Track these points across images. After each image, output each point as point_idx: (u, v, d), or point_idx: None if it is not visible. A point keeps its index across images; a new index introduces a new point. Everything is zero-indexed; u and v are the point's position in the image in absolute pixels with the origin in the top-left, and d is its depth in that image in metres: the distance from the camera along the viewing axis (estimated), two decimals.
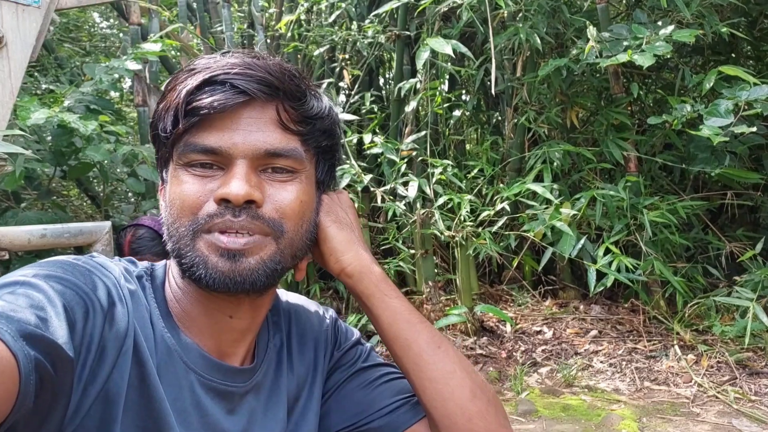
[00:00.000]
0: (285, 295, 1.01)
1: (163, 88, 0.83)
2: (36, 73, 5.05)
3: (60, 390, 0.63)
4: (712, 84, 3.47)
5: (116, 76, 3.54)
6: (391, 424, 0.91)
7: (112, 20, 8.44)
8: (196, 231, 0.76)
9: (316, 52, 5.22)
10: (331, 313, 1.04)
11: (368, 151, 4.15)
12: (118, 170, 4.23)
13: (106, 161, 3.51)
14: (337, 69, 5.10)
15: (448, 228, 3.96)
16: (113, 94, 6.39)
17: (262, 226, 0.77)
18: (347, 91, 5.03)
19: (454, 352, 0.89)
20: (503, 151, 4.79)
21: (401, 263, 3.99)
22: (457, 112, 5.30)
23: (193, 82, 0.76)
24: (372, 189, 4.04)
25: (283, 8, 5.60)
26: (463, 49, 3.62)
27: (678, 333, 3.79)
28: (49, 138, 3.40)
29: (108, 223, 2.02)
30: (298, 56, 5.53)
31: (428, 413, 0.88)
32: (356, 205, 4.06)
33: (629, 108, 4.77)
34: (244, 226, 0.76)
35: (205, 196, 0.76)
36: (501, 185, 4.26)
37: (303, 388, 0.93)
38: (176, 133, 0.77)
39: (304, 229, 0.83)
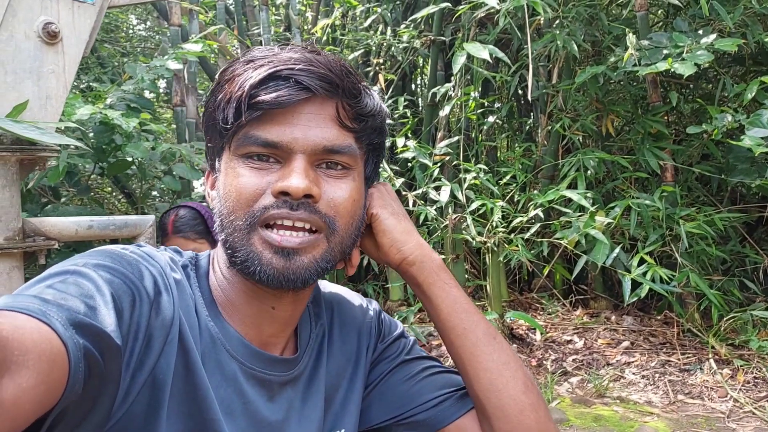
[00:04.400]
0: (328, 286, 1.01)
1: (217, 77, 0.83)
2: (79, 71, 5.16)
3: (108, 377, 0.64)
4: (753, 94, 3.41)
5: (156, 75, 3.60)
6: (436, 418, 0.91)
7: (149, 23, 8.60)
8: (252, 224, 0.77)
9: (350, 56, 5.25)
10: (374, 305, 1.04)
11: (400, 155, 4.16)
12: (155, 168, 4.30)
13: (144, 159, 3.57)
14: (372, 73, 5.12)
15: (480, 234, 3.95)
16: (148, 94, 6.51)
17: (317, 220, 0.78)
18: (381, 95, 5.05)
19: (508, 345, 0.90)
20: (536, 158, 4.76)
21: None
22: (490, 118, 5.29)
23: (256, 75, 0.76)
24: (404, 193, 4.05)
25: (320, 12, 5.65)
26: (500, 55, 3.61)
27: (713, 347, 3.72)
28: (91, 134, 3.47)
29: (152, 217, 2.06)
30: None
31: (480, 404, 0.88)
32: None
33: (666, 117, 4.71)
34: (302, 219, 0.77)
35: (263, 188, 0.77)
36: (534, 192, 4.23)
37: (342, 379, 0.94)
38: (237, 125, 0.78)
39: (354, 227, 0.84)
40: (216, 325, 0.81)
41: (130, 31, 8.38)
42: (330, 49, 5.23)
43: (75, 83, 5.01)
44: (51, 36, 1.72)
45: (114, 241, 2.56)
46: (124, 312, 0.68)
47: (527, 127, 5.44)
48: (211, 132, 0.83)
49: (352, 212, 0.82)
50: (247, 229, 0.77)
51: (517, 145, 5.13)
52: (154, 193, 5.45)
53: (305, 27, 5.76)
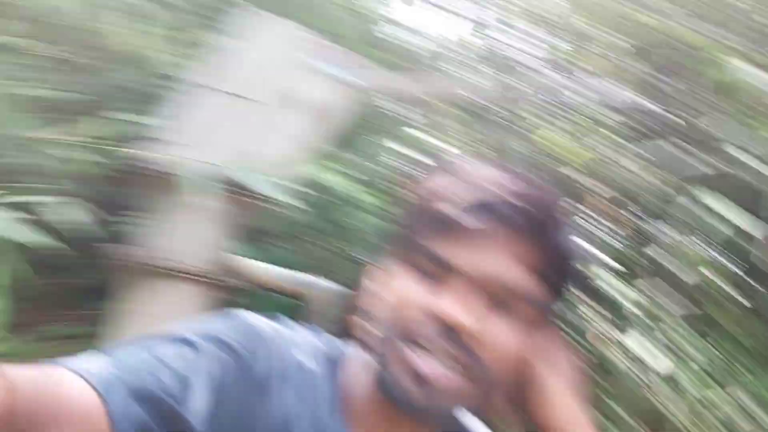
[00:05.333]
0: (468, 419, 0.90)
1: (421, 182, 0.80)
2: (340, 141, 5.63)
3: None
4: None
5: None
6: None
7: None
8: (397, 336, 0.72)
9: None
10: None
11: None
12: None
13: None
14: None
15: None
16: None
17: (468, 361, 0.70)
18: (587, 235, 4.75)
19: None
20: None
21: None
22: None
23: (457, 198, 0.73)
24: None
25: None
26: None
27: None
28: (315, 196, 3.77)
29: (336, 287, 2.16)
30: None
31: None
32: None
33: None
34: (450, 354, 0.70)
35: (420, 305, 0.72)
36: None
37: None
38: (420, 237, 0.74)
39: (509, 374, 0.76)
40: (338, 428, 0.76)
41: None
42: None
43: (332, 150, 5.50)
44: (307, 106, 1.97)
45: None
46: (223, 396, 0.68)
47: None
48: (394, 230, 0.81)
49: (511, 358, 0.74)
50: (390, 341, 0.72)
51: None
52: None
53: None
